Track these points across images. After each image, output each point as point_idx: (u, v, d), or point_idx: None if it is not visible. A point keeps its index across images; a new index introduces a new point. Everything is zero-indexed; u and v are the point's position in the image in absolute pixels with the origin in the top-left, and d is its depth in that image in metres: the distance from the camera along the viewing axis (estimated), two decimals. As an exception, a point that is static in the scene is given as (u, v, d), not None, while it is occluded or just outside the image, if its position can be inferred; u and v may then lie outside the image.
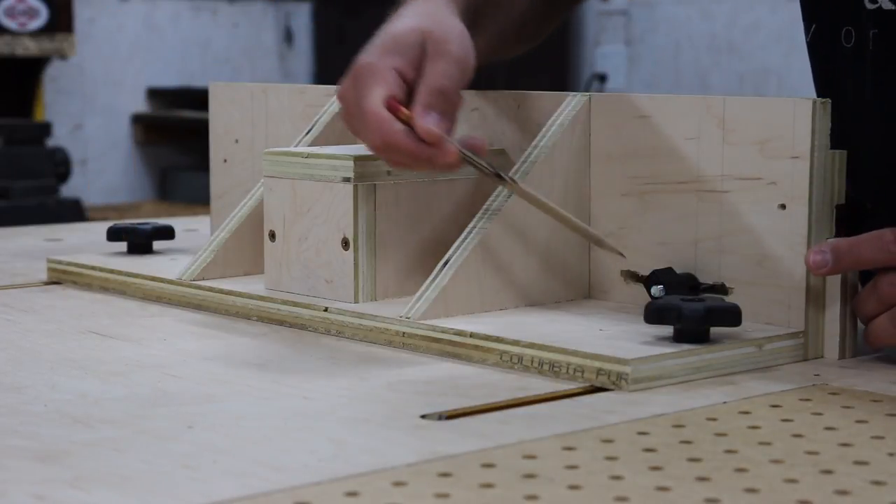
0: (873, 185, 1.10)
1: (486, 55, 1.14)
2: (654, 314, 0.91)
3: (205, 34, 5.56)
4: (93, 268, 1.21)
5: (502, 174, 0.98)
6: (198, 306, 1.12)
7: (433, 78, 0.96)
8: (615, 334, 0.94)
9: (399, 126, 0.95)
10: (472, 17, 1.08)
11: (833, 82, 1.13)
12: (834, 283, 0.95)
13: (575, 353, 0.89)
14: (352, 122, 0.99)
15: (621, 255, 1.02)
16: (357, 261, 1.04)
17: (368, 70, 0.97)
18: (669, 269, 1.01)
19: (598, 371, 0.88)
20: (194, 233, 1.44)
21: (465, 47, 0.99)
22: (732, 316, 0.92)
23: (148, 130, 5.42)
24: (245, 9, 5.64)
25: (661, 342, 0.91)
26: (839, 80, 1.12)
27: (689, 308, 0.90)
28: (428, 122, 0.95)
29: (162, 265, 1.20)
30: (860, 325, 0.96)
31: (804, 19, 1.15)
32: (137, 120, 5.40)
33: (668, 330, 0.92)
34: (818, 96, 1.16)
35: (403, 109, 0.95)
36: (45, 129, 4.28)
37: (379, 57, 0.98)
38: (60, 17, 4.69)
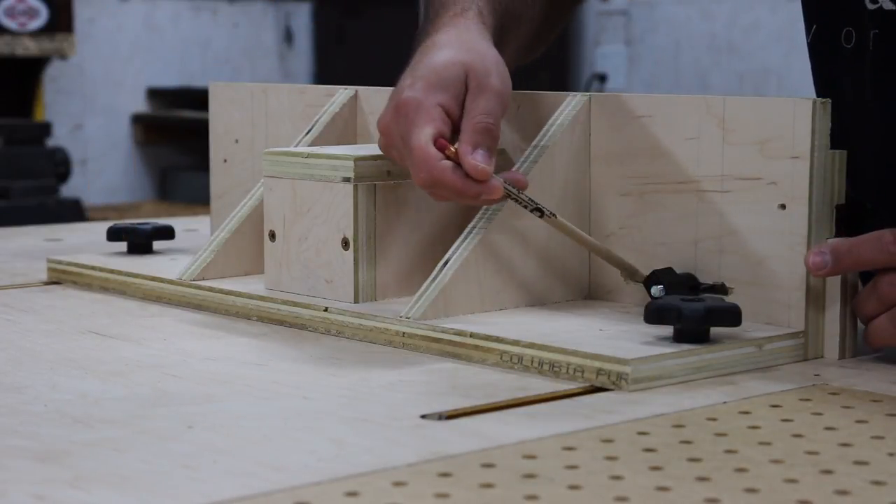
0: (874, 185, 1.10)
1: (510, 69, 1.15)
2: (654, 314, 0.91)
3: (205, 34, 5.56)
4: (93, 268, 1.21)
5: (542, 208, 1.00)
6: (198, 306, 1.12)
7: (477, 115, 0.99)
8: (615, 334, 0.94)
9: (447, 164, 0.97)
10: (499, 34, 1.09)
11: (833, 83, 1.13)
12: (834, 284, 0.95)
13: (575, 353, 0.89)
14: (392, 153, 1.02)
15: (651, 296, 1.00)
16: (357, 261, 1.04)
17: (415, 106, 0.99)
18: (669, 269, 1.01)
19: (598, 371, 0.88)
20: (194, 233, 1.44)
21: (504, 79, 1.01)
22: (732, 316, 0.92)
23: (148, 130, 5.42)
24: (245, 9, 5.64)
25: (661, 342, 0.91)
26: (840, 80, 1.12)
27: (689, 308, 0.90)
28: (476, 160, 0.97)
29: (162, 265, 1.20)
30: (860, 325, 0.96)
31: (805, 20, 1.15)
32: (137, 120, 5.40)
33: (668, 330, 0.92)
34: (818, 97, 1.16)
35: (451, 147, 0.97)
36: (45, 129, 4.28)
37: (424, 93, 0.99)
38: (60, 17, 4.69)
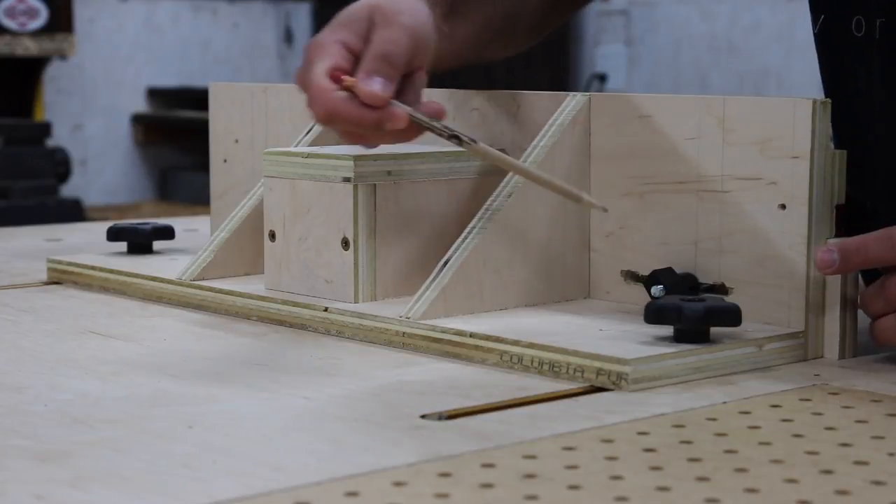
0: (882, 175, 1.10)
1: (471, 45, 1.13)
2: (654, 314, 0.91)
3: (205, 34, 5.56)
4: (93, 268, 1.21)
5: (459, 135, 0.96)
6: (198, 306, 1.12)
7: (378, 44, 0.96)
8: (615, 334, 0.94)
9: (341, 94, 0.95)
10: (450, 2, 1.07)
11: (843, 73, 1.13)
12: (834, 283, 0.95)
13: (575, 353, 0.89)
14: (306, 101, 0.99)
15: (603, 209, 0.99)
16: (357, 261, 1.04)
17: (314, 47, 0.98)
18: (669, 269, 1.01)
19: (598, 371, 0.88)
20: (194, 233, 1.44)
21: (416, 18, 0.98)
22: (732, 316, 0.92)
23: (148, 130, 5.42)
24: (245, 9, 5.64)
25: (661, 342, 0.91)
26: (849, 70, 1.12)
27: (689, 308, 0.90)
28: (370, 86, 0.94)
29: (162, 265, 1.20)
30: (860, 325, 0.96)
31: (812, 11, 1.15)
32: (137, 120, 5.40)
33: (668, 330, 0.92)
34: (826, 88, 1.16)
35: (346, 78, 0.95)
36: (45, 129, 4.28)
37: (324, 34, 0.98)
38: (60, 17, 4.69)
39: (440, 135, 0.97)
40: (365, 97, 0.95)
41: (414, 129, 0.97)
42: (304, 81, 0.98)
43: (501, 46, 1.21)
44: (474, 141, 0.97)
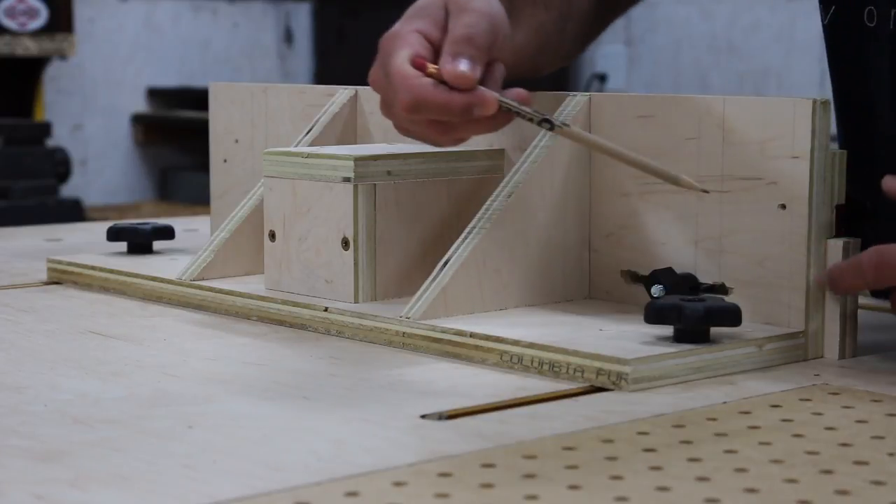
0: (891, 171, 1.09)
1: (527, 53, 1.10)
2: (654, 314, 0.91)
3: (205, 34, 5.56)
4: (93, 268, 1.21)
5: (551, 119, 0.94)
6: (198, 306, 1.12)
7: (459, 29, 0.93)
8: (615, 334, 0.94)
9: (427, 80, 0.92)
10: (508, 6, 1.05)
11: (853, 65, 1.12)
12: (834, 283, 0.95)
13: (575, 353, 0.89)
14: (385, 99, 0.95)
15: (704, 191, 0.96)
16: (357, 261, 1.04)
17: (391, 38, 0.95)
18: (669, 269, 1.01)
19: (598, 371, 0.88)
20: (194, 233, 1.44)
21: (492, 6, 0.95)
22: (732, 316, 0.92)
23: (148, 130, 5.42)
24: (245, 9, 5.64)
25: (661, 342, 0.91)
26: (861, 60, 1.11)
27: (689, 308, 0.90)
28: (457, 66, 0.92)
29: (162, 265, 1.20)
30: (860, 326, 0.96)
31: (821, 2, 1.15)
32: (137, 120, 5.40)
33: (668, 330, 0.92)
34: (835, 83, 1.16)
35: (430, 65, 0.92)
36: (45, 129, 4.28)
37: (400, 25, 0.95)
38: (60, 17, 4.69)
39: (530, 120, 0.94)
40: (453, 79, 0.92)
41: (502, 117, 0.94)
42: (381, 76, 0.94)
43: (552, 54, 1.18)
44: (566, 125, 0.94)
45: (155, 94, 5.43)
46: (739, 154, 0.98)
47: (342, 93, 1.22)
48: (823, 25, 1.15)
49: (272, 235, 1.09)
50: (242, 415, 0.82)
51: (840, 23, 1.13)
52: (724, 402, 0.85)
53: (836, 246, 0.95)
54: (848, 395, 0.86)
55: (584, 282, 1.07)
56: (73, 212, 3.93)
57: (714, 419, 0.81)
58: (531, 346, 0.91)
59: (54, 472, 0.71)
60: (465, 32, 0.93)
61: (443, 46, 0.94)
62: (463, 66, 0.92)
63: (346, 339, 1.01)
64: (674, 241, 1.02)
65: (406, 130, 0.98)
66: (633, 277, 1.04)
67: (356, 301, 1.04)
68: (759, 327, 0.96)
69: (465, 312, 1.00)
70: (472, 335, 0.94)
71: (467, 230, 1.01)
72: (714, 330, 0.92)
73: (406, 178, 1.06)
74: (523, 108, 0.94)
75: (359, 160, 1.04)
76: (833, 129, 0.96)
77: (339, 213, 1.04)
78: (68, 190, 4.37)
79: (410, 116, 0.94)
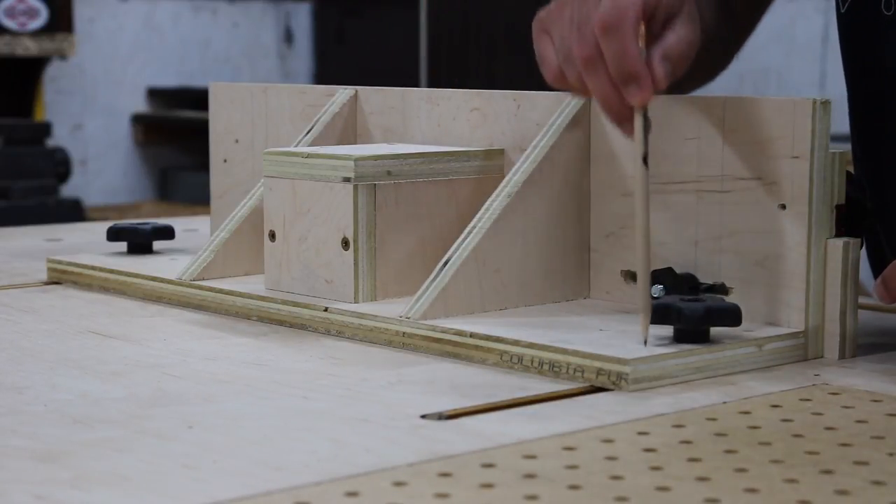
0: None
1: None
2: (654, 314, 0.91)
3: (205, 34, 5.56)
4: (93, 268, 1.21)
5: (647, 157, 0.94)
6: (198, 306, 1.12)
7: (681, 43, 0.94)
8: (615, 334, 0.94)
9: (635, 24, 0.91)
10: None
11: (869, 55, 1.12)
12: (834, 284, 0.95)
13: (575, 353, 0.89)
14: (577, 18, 0.93)
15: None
16: (357, 261, 1.04)
17: None
18: (669, 269, 1.01)
19: (598, 371, 0.88)
20: (194, 233, 1.44)
21: (702, 22, 0.96)
22: (732, 316, 0.92)
23: (148, 130, 5.43)
24: (245, 9, 5.64)
25: (661, 342, 0.91)
26: (879, 49, 1.11)
27: (689, 308, 0.90)
28: (660, 73, 0.92)
29: (162, 265, 1.20)
30: (860, 326, 0.96)
31: None
32: (137, 120, 5.40)
33: (668, 330, 0.92)
34: (848, 75, 1.15)
35: (643, 27, 0.92)
36: (45, 129, 4.28)
37: None
38: (60, 17, 4.69)
39: (641, 145, 0.93)
40: (653, 70, 0.92)
41: (630, 120, 0.94)
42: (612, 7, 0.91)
43: (721, 53, 1.19)
44: (647, 166, 0.94)
45: (155, 94, 5.44)
46: (739, 154, 0.98)
47: (342, 93, 1.22)
48: (839, 15, 1.14)
49: (272, 235, 1.09)
50: (242, 415, 0.82)
51: (857, 11, 1.13)
52: (724, 402, 0.85)
53: (836, 246, 0.95)
54: (848, 395, 0.86)
55: (584, 282, 1.07)
56: (73, 212, 3.94)
57: (714, 419, 0.81)
58: (531, 346, 0.91)
59: (54, 472, 0.71)
60: (685, 52, 0.94)
61: (662, 34, 0.93)
62: (664, 79, 0.92)
63: (346, 339, 1.01)
64: (674, 241, 1.02)
65: (572, 56, 0.95)
66: (634, 277, 1.04)
67: (356, 301, 1.04)
68: (759, 327, 0.96)
69: (465, 312, 1.00)
70: (472, 335, 0.94)
71: (467, 230, 1.01)
72: (714, 330, 0.92)
73: (406, 178, 1.06)
74: (647, 132, 0.94)
75: (359, 160, 1.04)
76: (833, 129, 0.96)
77: (339, 213, 1.04)
78: (68, 190, 4.38)
79: (603, 35, 0.92)
